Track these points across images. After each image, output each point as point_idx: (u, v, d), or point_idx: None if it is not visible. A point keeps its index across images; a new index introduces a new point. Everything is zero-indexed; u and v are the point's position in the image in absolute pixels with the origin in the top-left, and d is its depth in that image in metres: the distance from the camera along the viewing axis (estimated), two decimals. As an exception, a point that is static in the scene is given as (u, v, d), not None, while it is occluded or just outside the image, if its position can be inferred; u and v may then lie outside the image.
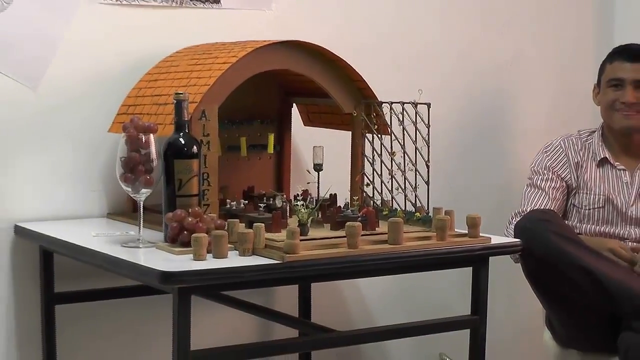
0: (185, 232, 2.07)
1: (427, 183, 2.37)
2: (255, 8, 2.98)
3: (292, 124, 2.89)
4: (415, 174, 2.42)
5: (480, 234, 2.28)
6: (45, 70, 2.66)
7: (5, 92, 2.59)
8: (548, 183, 3.03)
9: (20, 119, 2.62)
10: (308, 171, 2.61)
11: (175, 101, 2.17)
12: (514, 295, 3.18)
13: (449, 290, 2.87)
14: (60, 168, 2.71)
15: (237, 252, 2.08)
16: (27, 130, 2.65)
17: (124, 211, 2.71)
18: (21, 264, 2.66)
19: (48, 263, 2.60)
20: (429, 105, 2.34)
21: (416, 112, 2.38)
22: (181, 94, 2.18)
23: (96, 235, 2.32)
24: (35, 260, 2.62)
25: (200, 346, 1.98)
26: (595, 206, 2.96)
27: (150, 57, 2.72)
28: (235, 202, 2.48)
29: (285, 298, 2.99)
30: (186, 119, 2.19)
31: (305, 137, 2.93)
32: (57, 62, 2.66)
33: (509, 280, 2.99)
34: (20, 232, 2.58)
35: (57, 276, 2.60)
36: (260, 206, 2.45)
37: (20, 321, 2.69)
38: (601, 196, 2.96)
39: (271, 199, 2.52)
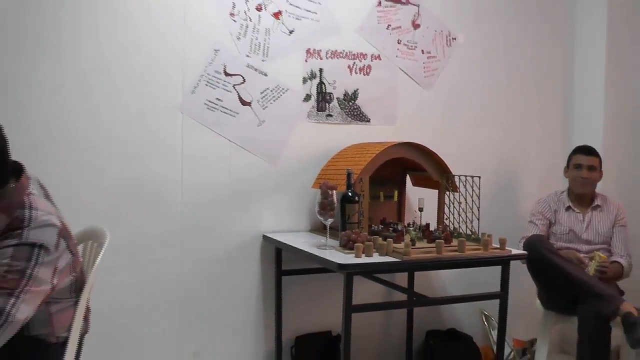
0: (350, 242, 2.66)
1: (478, 219, 2.93)
2: (387, 124, 3.57)
3: (406, 185, 3.44)
4: (472, 214, 2.96)
5: (506, 248, 2.80)
6: (280, 155, 3.32)
7: (257, 166, 3.28)
8: (540, 221, 3.54)
9: (265, 181, 3.30)
10: (416, 210, 3.17)
11: (346, 173, 2.83)
12: (521, 280, 3.32)
13: (488, 278, 2.95)
14: (287, 205, 3.36)
15: (378, 253, 2.61)
16: (270, 185, 3.31)
17: (318, 229, 3.26)
18: (265, 255, 3.31)
19: (279, 255, 3.26)
20: (479, 177, 2.95)
21: (472, 180, 2.95)
22: (349, 169, 2.84)
23: (304, 242, 2.93)
24: (272, 253, 3.29)
25: (356, 302, 2.53)
26: (564, 232, 3.50)
27: (333, 149, 3.36)
28: (376, 227, 2.99)
29: (401, 278, 3.51)
30: (352, 182, 2.82)
31: (414, 192, 3.45)
32: (286, 151, 3.34)
33: (519, 273, 3.21)
34: (265, 239, 3.27)
35: (283, 261, 3.26)
36: (390, 229, 2.94)
37: (264, 286, 3.33)
38: (567, 227, 3.50)
39: (395, 225, 3.02)
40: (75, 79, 2.90)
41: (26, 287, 1.73)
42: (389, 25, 3.56)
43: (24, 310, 1.73)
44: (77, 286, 2.02)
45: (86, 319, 2.12)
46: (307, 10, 3.36)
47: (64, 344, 1.97)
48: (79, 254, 2.06)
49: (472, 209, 2.95)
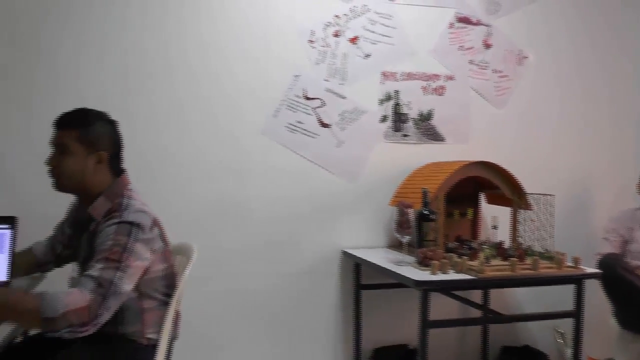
0: (426, 259, 2.70)
1: (552, 237, 2.95)
2: (461, 143, 3.61)
3: (481, 203, 3.44)
4: (545, 232, 2.98)
5: (580, 266, 2.80)
6: (358, 174, 3.42)
7: (337, 185, 3.40)
8: (614, 237, 3.47)
9: (345, 198, 3.41)
10: (491, 228, 3.23)
11: (422, 192, 2.89)
12: (596, 297, 3.26)
13: (563, 295, 2.91)
14: (366, 222, 3.43)
15: (454, 271, 2.65)
16: (349, 203, 3.42)
17: (396, 245, 3.32)
18: (344, 270, 3.40)
19: (358, 270, 3.35)
20: (553, 195, 2.99)
21: (546, 199, 3.00)
22: (425, 188, 2.90)
23: (382, 258, 2.98)
24: (351, 268, 3.39)
25: (432, 317, 2.57)
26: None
27: (409, 167, 3.44)
28: (452, 244, 3.05)
29: (476, 294, 3.53)
30: (428, 201, 2.88)
31: (488, 210, 3.46)
32: (364, 170, 3.43)
33: (594, 290, 3.18)
34: (345, 254, 3.35)
35: (362, 276, 3.34)
36: (465, 246, 2.99)
37: (343, 299, 3.41)
38: None
39: (470, 243, 3.07)
40: (166, 103, 3.15)
41: (128, 260, 1.88)
42: (461, 46, 3.62)
43: (127, 283, 1.87)
44: (168, 283, 2.14)
45: (176, 323, 2.24)
46: (382, 35, 3.48)
47: (154, 347, 2.07)
48: (171, 251, 2.18)
49: (545, 227, 2.98)
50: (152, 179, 3.10)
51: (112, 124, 2.12)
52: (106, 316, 1.81)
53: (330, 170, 3.40)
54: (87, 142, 2.01)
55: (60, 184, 2.03)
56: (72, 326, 1.72)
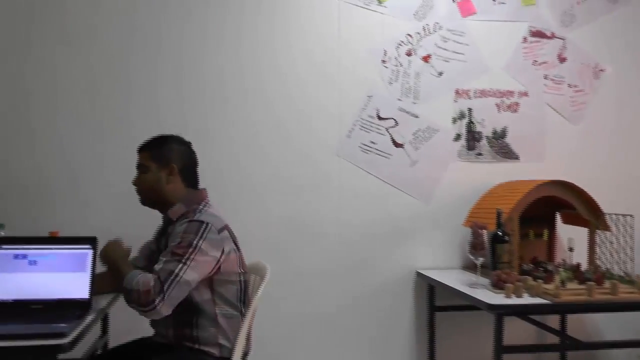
0: (501, 282, 2.69)
1: (632, 259, 2.90)
2: (536, 161, 3.56)
3: (557, 223, 3.41)
4: (625, 254, 2.94)
5: None
6: (432, 194, 3.44)
7: (411, 205, 3.43)
8: None
9: (419, 219, 3.43)
10: (568, 249, 3.13)
11: (496, 212, 2.88)
12: None
13: None
14: (440, 242, 3.44)
15: (528, 294, 2.63)
16: (423, 223, 3.43)
17: (470, 266, 3.31)
18: (418, 291, 3.42)
19: (432, 291, 3.37)
20: (632, 216, 2.95)
21: (625, 220, 2.96)
22: (499, 209, 2.89)
23: (456, 279, 2.99)
24: (425, 289, 3.41)
25: (507, 341, 2.55)
26: None
27: (483, 187, 3.43)
28: (527, 266, 3.01)
29: (553, 318, 3.47)
30: (502, 221, 2.86)
31: (564, 230, 3.41)
32: (438, 190, 3.44)
33: None
34: (418, 275, 3.38)
35: (436, 297, 3.36)
36: (540, 269, 2.97)
37: (418, 320, 3.42)
38: None
39: (545, 265, 3.05)
40: (242, 125, 3.27)
41: (192, 255, 2.09)
42: (535, 61, 3.59)
43: (189, 274, 2.08)
44: (242, 293, 2.30)
45: (248, 338, 2.37)
46: (455, 52, 3.49)
47: (227, 359, 2.22)
48: (244, 260, 2.36)
49: (625, 250, 2.93)
50: (229, 199, 3.21)
51: (183, 144, 2.40)
52: (167, 303, 2.04)
53: (403, 190, 3.43)
54: (159, 159, 2.31)
55: (143, 198, 2.34)
56: (136, 303, 2.03)
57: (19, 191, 3.06)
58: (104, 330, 2.66)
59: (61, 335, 1.80)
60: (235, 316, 2.26)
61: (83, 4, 3.15)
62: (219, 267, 2.19)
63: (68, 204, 3.10)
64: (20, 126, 3.08)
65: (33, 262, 2.17)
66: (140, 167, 2.34)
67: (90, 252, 2.20)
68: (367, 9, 3.42)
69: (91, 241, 2.22)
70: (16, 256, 2.17)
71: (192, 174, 2.39)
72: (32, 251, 2.18)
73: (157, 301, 2.01)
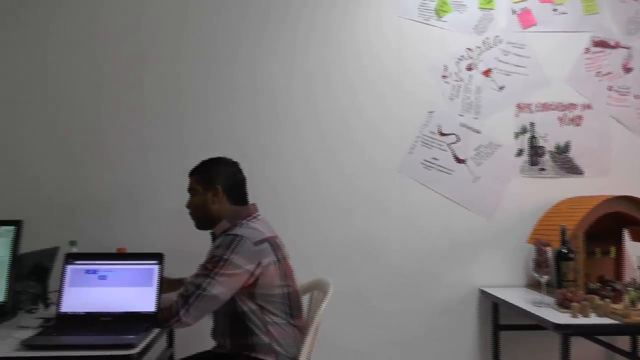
0: (566, 301, 2.66)
1: None
2: (601, 176, 3.49)
3: (624, 240, 3.29)
4: None
5: None
6: (495, 211, 3.42)
7: (473, 221, 3.42)
8: None
9: (482, 235, 3.42)
10: (637, 267, 3.16)
11: (560, 229, 2.86)
12: None
13: None
14: (503, 260, 3.39)
15: (596, 314, 2.59)
16: (486, 240, 3.40)
17: (534, 284, 3.25)
18: (482, 309, 3.40)
19: (496, 309, 3.34)
20: None
21: None
22: (563, 225, 2.86)
23: (519, 297, 2.98)
24: (489, 307, 3.38)
25: None
26: None
27: (547, 203, 3.40)
28: (594, 285, 2.95)
29: (623, 339, 3.36)
30: (566, 239, 2.82)
31: (633, 248, 3.35)
32: (501, 206, 3.43)
33: None
34: (482, 293, 3.36)
35: (500, 316, 3.34)
36: (607, 288, 2.88)
37: (481, 339, 3.41)
38: None
39: (613, 284, 2.97)
40: (297, 145, 3.35)
41: (220, 269, 2.17)
42: (598, 72, 3.53)
43: (217, 288, 2.15)
44: (291, 303, 2.35)
45: (309, 351, 2.38)
46: (516, 65, 3.47)
47: None
48: (292, 268, 2.42)
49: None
50: (294, 214, 3.30)
51: (229, 165, 2.51)
52: (191, 315, 2.13)
53: (466, 206, 3.42)
54: (204, 181, 2.43)
55: (195, 221, 2.47)
56: (161, 319, 2.14)
57: (90, 209, 3.22)
58: (170, 342, 2.74)
59: (130, 346, 1.89)
60: (285, 325, 2.32)
61: (156, 28, 3.31)
62: (256, 280, 2.25)
63: (132, 221, 3.23)
64: (93, 152, 3.26)
65: (103, 277, 2.28)
66: (190, 190, 2.47)
67: (156, 267, 2.29)
68: (426, 24, 3.45)
69: (158, 257, 2.31)
70: (87, 271, 2.29)
71: (238, 192, 2.47)
72: (102, 266, 2.29)
73: (180, 313, 2.12)
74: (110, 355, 1.86)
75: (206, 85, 3.31)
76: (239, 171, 2.51)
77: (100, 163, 3.25)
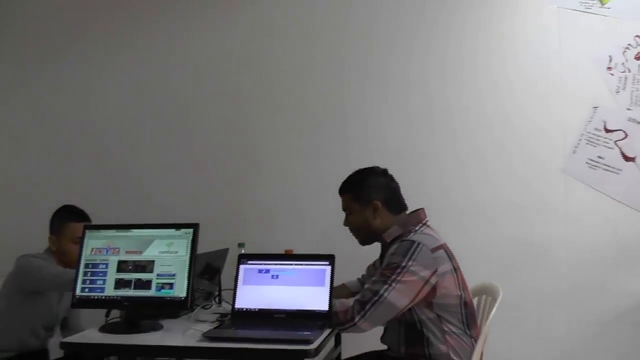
0: None
1: None
2: None
3: None
4: None
5: None
6: None
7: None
8: None
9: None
10: None
11: None
12: None
13: None
14: None
15: None
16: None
17: None
18: None
19: None
20: None
21: None
22: None
23: None
24: None
25: None
26: None
27: None
28: None
29: None
30: None
31: None
32: None
33: None
34: None
35: None
36: None
37: None
38: None
39: None
40: (466, 147, 3.37)
41: (398, 276, 2.17)
42: None
43: (394, 295, 2.16)
44: (467, 313, 2.31)
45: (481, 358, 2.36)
46: (692, 51, 3.31)
47: None
48: (465, 280, 2.36)
49: None
50: (458, 219, 3.31)
51: (379, 175, 2.49)
52: (368, 321, 2.15)
53: (636, 208, 3.26)
54: (359, 199, 2.43)
55: (359, 239, 2.48)
56: (336, 322, 2.18)
57: (256, 215, 3.46)
58: (337, 341, 2.82)
59: (307, 341, 1.96)
60: (462, 334, 2.29)
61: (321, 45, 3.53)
62: (434, 288, 2.22)
63: (295, 225, 3.43)
64: (245, 165, 3.54)
65: (275, 276, 2.38)
66: (345, 210, 2.49)
67: (328, 268, 2.34)
68: (588, 12, 3.34)
69: (329, 258, 2.36)
70: (260, 271, 2.40)
71: (395, 201, 2.46)
72: (274, 266, 2.40)
73: (356, 318, 2.15)
74: (288, 350, 1.93)
75: (364, 94, 3.43)
76: (391, 179, 2.49)
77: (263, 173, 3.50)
